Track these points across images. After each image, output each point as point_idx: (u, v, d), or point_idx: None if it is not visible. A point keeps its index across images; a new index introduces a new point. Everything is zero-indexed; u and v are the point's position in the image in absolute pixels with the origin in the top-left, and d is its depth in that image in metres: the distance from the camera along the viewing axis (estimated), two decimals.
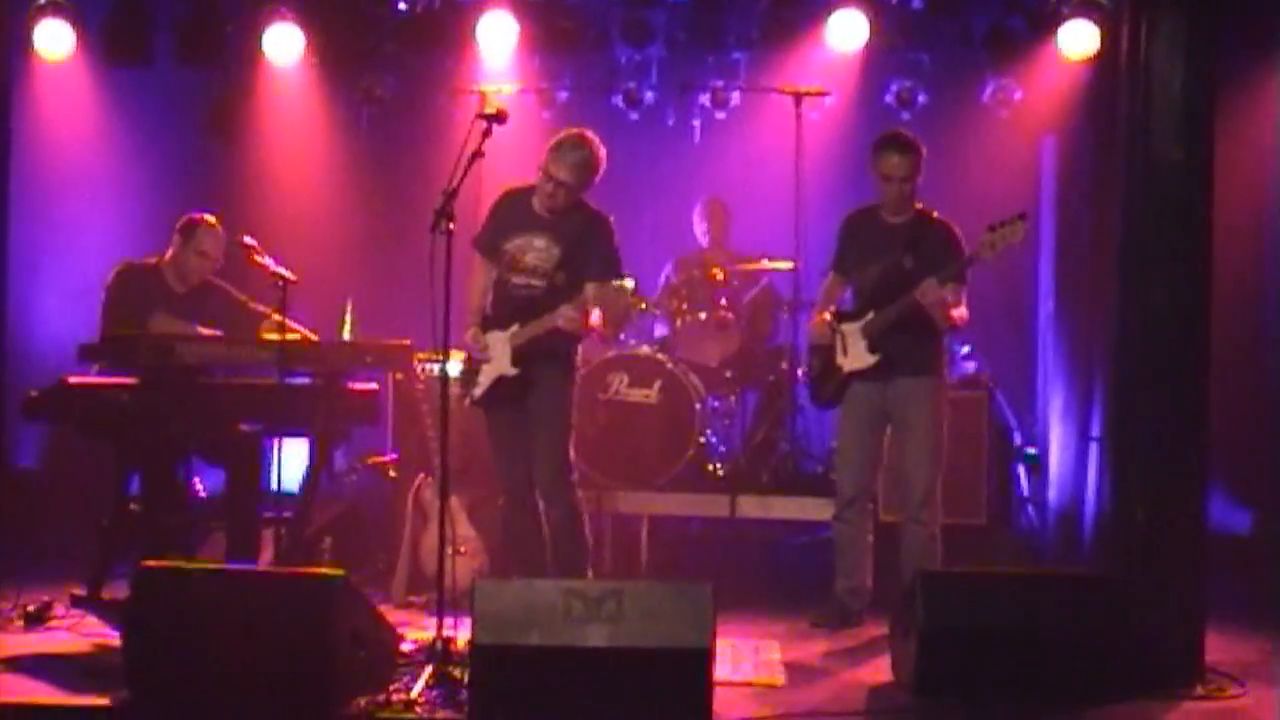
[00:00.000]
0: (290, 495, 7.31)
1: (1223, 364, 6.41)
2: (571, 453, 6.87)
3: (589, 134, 6.76)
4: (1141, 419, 6.23)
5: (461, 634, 5.63)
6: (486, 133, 6.01)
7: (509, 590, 5.40)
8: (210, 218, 7.49)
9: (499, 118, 6.06)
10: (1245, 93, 8.55)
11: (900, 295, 6.90)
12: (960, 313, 6.95)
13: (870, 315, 7.04)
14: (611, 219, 6.85)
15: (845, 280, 7.30)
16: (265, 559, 7.21)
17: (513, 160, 9.44)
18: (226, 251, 7.50)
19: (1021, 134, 9.47)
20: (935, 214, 7.13)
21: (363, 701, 5.38)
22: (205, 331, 7.18)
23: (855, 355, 7.10)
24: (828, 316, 7.21)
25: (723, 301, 8.85)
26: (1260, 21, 8.48)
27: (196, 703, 5.38)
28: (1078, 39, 8.91)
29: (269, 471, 7.10)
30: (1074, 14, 8.87)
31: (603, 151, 6.75)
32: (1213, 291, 6.21)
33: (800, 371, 7.50)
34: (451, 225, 5.83)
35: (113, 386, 6.79)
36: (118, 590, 6.38)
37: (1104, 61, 8.62)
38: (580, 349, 7.01)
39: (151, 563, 5.75)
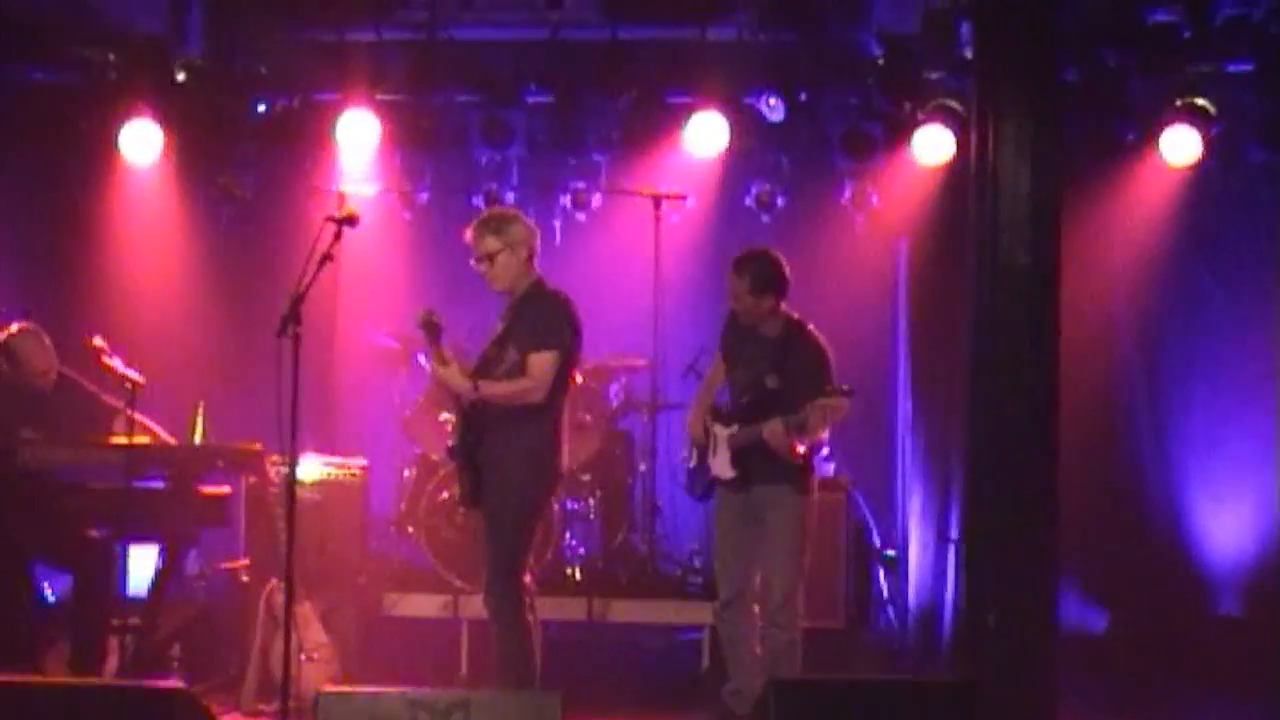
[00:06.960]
0: (139, 601, 7.14)
1: (1076, 466, 6.48)
2: None
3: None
4: (992, 522, 6.28)
5: None
6: (337, 236, 5.96)
7: (354, 701, 5.30)
8: (25, 325, 7.26)
9: (350, 220, 6.02)
10: (1091, 198, 8.73)
11: (761, 415, 6.85)
12: (803, 447, 6.87)
13: (735, 428, 7.03)
14: None
15: (728, 368, 7.26)
16: (111, 667, 7.02)
17: (374, 262, 9.46)
18: (60, 347, 7.30)
19: (878, 237, 9.53)
20: (810, 327, 7.06)
21: None
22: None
23: (720, 463, 7.07)
24: (702, 418, 7.19)
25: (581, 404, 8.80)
26: (1102, 128, 8.72)
27: None
28: (932, 145, 9.01)
29: (117, 578, 6.93)
30: (928, 119, 8.97)
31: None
32: (1062, 394, 6.29)
33: (682, 457, 7.45)
34: (299, 329, 5.77)
35: None
36: None
37: (957, 167, 8.74)
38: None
39: None
